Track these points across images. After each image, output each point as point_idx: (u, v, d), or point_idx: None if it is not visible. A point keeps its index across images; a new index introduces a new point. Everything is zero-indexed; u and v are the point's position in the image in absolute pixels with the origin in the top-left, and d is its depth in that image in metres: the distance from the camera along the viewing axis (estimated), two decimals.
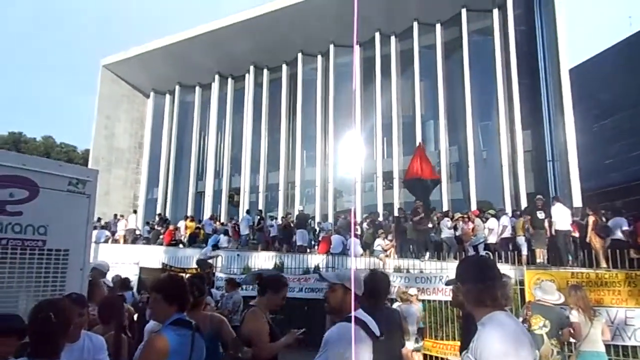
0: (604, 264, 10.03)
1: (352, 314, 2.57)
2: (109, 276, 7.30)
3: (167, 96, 30.99)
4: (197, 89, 29.67)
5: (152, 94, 31.63)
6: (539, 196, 12.38)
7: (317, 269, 12.91)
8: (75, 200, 3.59)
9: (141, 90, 31.49)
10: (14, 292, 3.24)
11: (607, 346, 8.42)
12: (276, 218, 18.60)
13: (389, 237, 13.50)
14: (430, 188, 12.74)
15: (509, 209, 15.99)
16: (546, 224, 11.23)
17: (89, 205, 3.70)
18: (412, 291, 9.24)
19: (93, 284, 4.96)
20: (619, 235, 10.44)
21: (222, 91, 28.66)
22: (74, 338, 2.56)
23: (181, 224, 19.82)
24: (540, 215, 11.29)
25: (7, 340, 2.22)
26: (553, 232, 11.09)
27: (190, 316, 3.08)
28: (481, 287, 1.98)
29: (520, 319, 5.48)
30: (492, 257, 9.75)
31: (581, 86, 19.08)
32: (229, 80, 28.44)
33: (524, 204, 17.26)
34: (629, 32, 22.96)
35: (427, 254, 12.39)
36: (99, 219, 21.02)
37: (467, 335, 3.74)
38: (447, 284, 3.62)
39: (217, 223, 19.71)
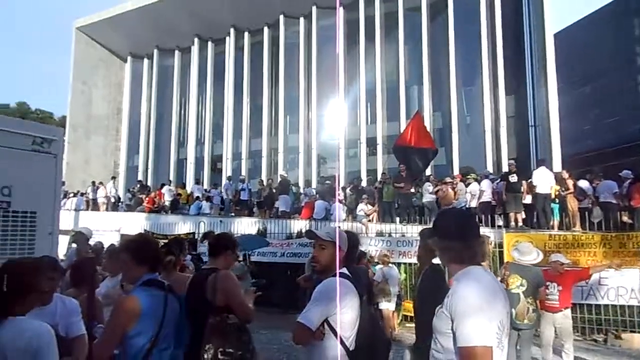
0: (578, 227, 10.26)
1: (337, 271, 2.54)
2: (91, 243, 7.20)
3: (146, 60, 30.01)
4: (177, 52, 28.75)
5: (129, 58, 30.57)
6: (510, 160, 12.45)
7: (300, 234, 12.94)
8: (41, 160, 3.43)
9: (118, 55, 30.40)
10: None
11: (581, 305, 8.77)
12: (244, 181, 18.47)
13: (372, 202, 13.56)
14: (428, 156, 12.49)
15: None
16: (524, 187, 11.37)
17: (57, 166, 3.53)
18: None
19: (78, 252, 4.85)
20: (609, 198, 10.57)
21: (202, 55, 27.84)
22: (45, 301, 2.45)
23: (165, 190, 19.51)
24: (513, 178, 11.40)
25: None
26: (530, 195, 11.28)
27: (167, 278, 3.00)
28: (461, 245, 1.93)
29: (498, 279, 5.54)
30: None
31: (565, 51, 18.97)
32: (209, 43, 27.60)
33: (505, 169, 17.44)
34: None
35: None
36: (75, 189, 20.61)
37: (424, 294, 3.65)
38: (422, 234, 3.58)
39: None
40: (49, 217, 3.51)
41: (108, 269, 4.33)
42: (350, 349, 2.51)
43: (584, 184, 11.16)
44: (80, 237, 6.82)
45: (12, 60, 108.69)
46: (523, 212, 11.36)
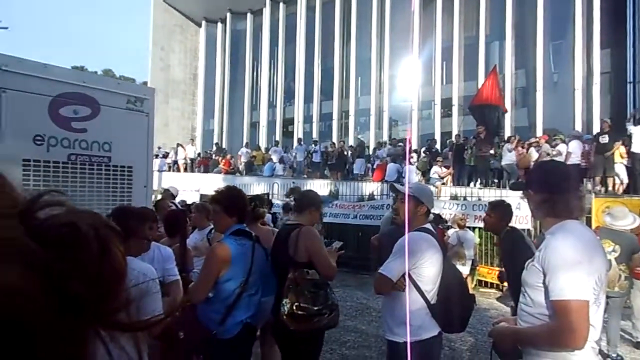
0: None
1: (406, 224, 2.52)
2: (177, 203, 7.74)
3: (219, 25, 30.64)
4: (249, 15, 29.03)
5: (203, 22, 31.37)
6: (604, 119, 11.37)
7: (372, 196, 12.94)
8: (135, 118, 3.65)
9: (193, 19, 31.29)
10: (87, 205, 3.43)
11: None
12: (317, 143, 18.60)
13: (446, 165, 13.17)
14: (499, 116, 11.95)
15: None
16: (616, 148, 10.42)
17: (149, 124, 3.75)
18: None
19: (158, 205, 5.23)
20: None
21: (273, 17, 27.89)
22: (145, 248, 2.67)
23: (242, 151, 20.30)
24: (604, 139, 10.44)
25: None
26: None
27: (251, 229, 3.14)
28: (558, 198, 1.82)
29: None
30: None
31: None
32: (281, 5, 27.53)
33: (597, 131, 16.09)
34: None
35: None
36: (160, 148, 21.92)
37: (509, 258, 3.65)
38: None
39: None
40: (144, 171, 3.76)
41: (197, 223, 4.61)
42: (432, 302, 2.52)
43: None
44: (167, 194, 7.32)
45: (96, 29, 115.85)
46: (620, 177, 10.46)
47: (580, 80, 17.62)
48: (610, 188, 10.52)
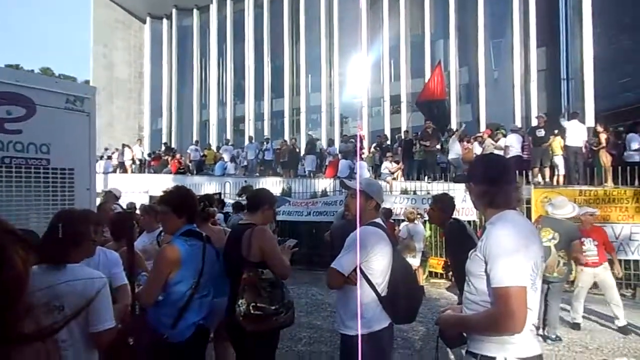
0: (610, 181, 9.98)
1: (357, 219, 2.57)
2: (124, 205, 7.45)
3: (165, 21, 29.78)
4: (195, 11, 28.41)
5: (148, 18, 30.39)
6: (539, 114, 12.02)
7: (324, 193, 13.04)
8: (75, 118, 3.48)
9: (136, 15, 30.23)
10: (24, 211, 3.25)
11: (610, 261, 8.68)
12: (269, 141, 18.50)
13: (397, 160, 13.47)
14: (446, 109, 12.39)
15: None
16: (550, 142, 11.08)
17: (90, 124, 3.59)
18: None
19: (100, 208, 5.03)
20: None
21: (221, 14, 27.43)
22: (88, 253, 2.56)
23: (191, 149, 19.86)
24: (540, 133, 11.08)
25: None
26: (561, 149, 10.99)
27: (201, 229, 3.08)
28: (496, 189, 1.91)
29: None
30: None
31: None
32: (228, 1, 27.13)
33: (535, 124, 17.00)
34: None
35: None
36: (106, 149, 21.05)
37: (452, 249, 3.83)
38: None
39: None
40: (86, 173, 3.60)
41: (145, 225, 4.48)
42: (383, 295, 2.58)
43: (634, 137, 10.37)
44: (109, 195, 7.04)
45: (34, 26, 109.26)
46: (559, 168, 11.11)
47: (519, 77, 18.57)
48: (548, 179, 11.15)
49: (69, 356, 1.97)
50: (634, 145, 10.11)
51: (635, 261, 8.71)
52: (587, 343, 5.51)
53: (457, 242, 3.59)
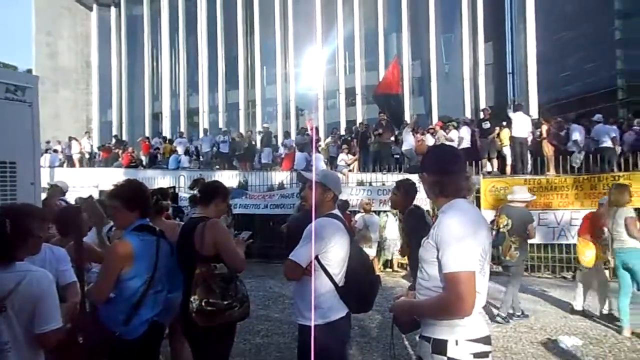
0: (552, 170, 10.53)
1: (313, 210, 2.59)
2: (71, 200, 7.11)
3: (113, 9, 28.56)
4: (145, 0, 27.36)
5: (95, 6, 29.01)
6: (484, 107, 12.52)
7: (281, 185, 13.00)
8: (15, 109, 3.28)
9: (83, 2, 28.77)
10: None
11: (552, 245, 9.18)
12: (226, 134, 18.15)
13: (352, 152, 13.62)
14: (401, 102, 12.72)
15: None
16: (496, 133, 11.56)
17: (32, 115, 3.40)
18: None
19: (45, 203, 4.78)
20: (607, 143, 10.49)
21: (172, 2, 26.59)
22: (35, 250, 2.44)
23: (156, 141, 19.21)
24: (486, 125, 11.56)
25: None
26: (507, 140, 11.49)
27: (154, 224, 3.00)
28: (447, 179, 1.98)
29: (490, 220, 6.23)
30: None
31: None
32: None
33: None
34: None
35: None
36: (48, 142, 19.98)
37: (410, 234, 3.96)
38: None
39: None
40: (30, 167, 3.41)
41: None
42: (340, 285, 2.62)
43: (576, 128, 10.96)
44: (55, 190, 6.71)
45: None
46: (507, 158, 11.59)
47: (468, 71, 19.22)
48: (496, 169, 11.62)
49: (10, 357, 1.89)
50: (575, 136, 10.71)
51: (575, 245, 9.25)
52: (531, 324, 5.83)
53: (415, 228, 3.70)
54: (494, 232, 5.90)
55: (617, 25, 18.59)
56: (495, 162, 11.68)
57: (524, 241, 5.86)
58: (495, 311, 5.93)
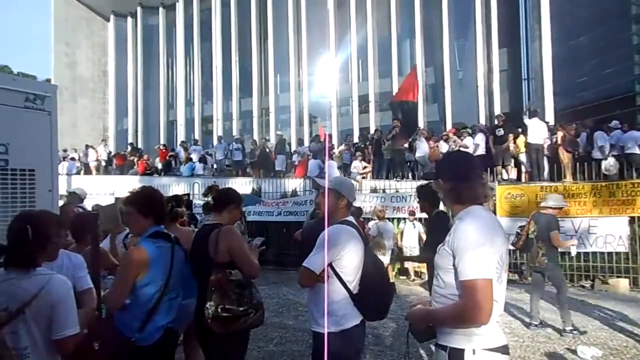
0: (569, 177, 10.36)
1: (326, 217, 2.58)
2: (88, 207, 7.19)
3: (129, 19, 29.05)
4: (161, 10, 27.82)
5: (112, 16, 29.55)
6: (498, 114, 12.39)
7: (294, 193, 13.02)
8: (35, 118, 3.35)
9: (100, 13, 29.33)
10: None
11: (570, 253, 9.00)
12: (240, 141, 18.20)
13: (366, 159, 13.59)
14: (414, 109, 12.67)
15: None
16: (510, 140, 11.44)
17: (51, 123, 3.46)
18: None
19: (62, 210, 4.84)
20: (634, 149, 10.12)
21: (187, 12, 26.98)
22: (52, 256, 2.47)
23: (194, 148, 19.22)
24: (499, 132, 11.46)
25: None
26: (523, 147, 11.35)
27: (169, 230, 3.03)
28: (463, 186, 1.96)
29: (520, 225, 6.40)
30: None
31: (559, 1, 18.59)
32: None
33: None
34: None
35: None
36: (65, 150, 20.32)
37: (432, 236, 4.00)
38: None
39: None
40: (48, 174, 3.46)
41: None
42: (354, 292, 2.60)
43: (600, 135, 10.67)
44: (74, 197, 6.79)
45: None
46: (525, 165, 11.46)
47: (482, 77, 19.07)
48: (512, 176, 11.48)
49: None
50: (600, 142, 10.49)
51: (594, 253, 9.09)
52: (549, 333, 5.71)
53: (438, 231, 3.68)
54: (522, 238, 6.06)
55: (634, 30, 18.23)
56: (510, 169, 11.53)
57: (551, 247, 5.79)
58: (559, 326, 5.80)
